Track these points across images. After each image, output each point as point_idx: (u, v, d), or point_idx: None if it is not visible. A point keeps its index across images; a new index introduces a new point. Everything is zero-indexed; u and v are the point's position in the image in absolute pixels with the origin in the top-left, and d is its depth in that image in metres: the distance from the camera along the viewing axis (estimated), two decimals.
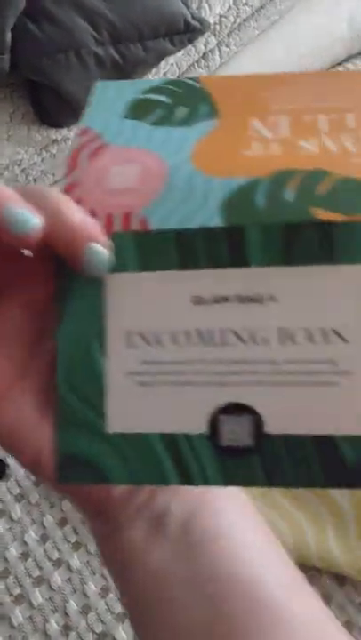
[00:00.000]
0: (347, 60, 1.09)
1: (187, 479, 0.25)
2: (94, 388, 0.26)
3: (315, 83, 0.31)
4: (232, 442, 0.25)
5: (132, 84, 0.32)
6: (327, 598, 0.53)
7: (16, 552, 0.59)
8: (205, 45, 0.92)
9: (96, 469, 0.26)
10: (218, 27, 0.92)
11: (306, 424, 0.24)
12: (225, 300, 0.25)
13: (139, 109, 0.31)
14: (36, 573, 0.58)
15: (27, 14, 0.79)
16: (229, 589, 0.28)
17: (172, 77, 0.33)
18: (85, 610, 0.56)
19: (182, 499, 0.30)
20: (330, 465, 0.24)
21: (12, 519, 0.61)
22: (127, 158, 0.28)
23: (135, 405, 0.25)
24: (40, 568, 0.58)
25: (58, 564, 0.59)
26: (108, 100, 0.31)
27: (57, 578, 0.58)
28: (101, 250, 0.25)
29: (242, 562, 0.29)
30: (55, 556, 0.59)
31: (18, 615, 0.56)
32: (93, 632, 0.54)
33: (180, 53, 0.90)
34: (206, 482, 0.25)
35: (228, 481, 0.25)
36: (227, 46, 0.96)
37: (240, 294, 0.25)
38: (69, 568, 0.58)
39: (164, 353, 0.25)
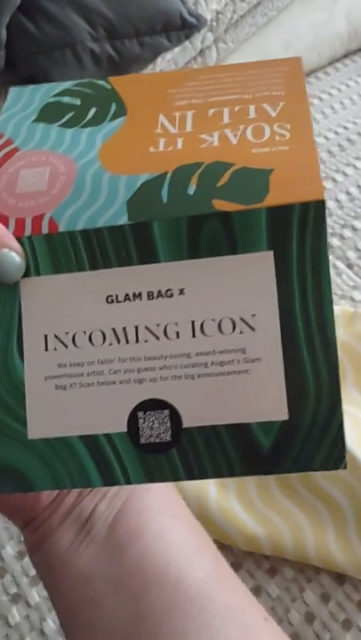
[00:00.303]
0: (345, 56, 1.09)
1: (110, 479, 0.25)
2: (14, 394, 0.26)
3: (222, 76, 0.31)
4: (151, 438, 0.25)
5: (44, 88, 0.33)
6: (326, 597, 0.53)
7: (12, 551, 0.59)
8: (202, 42, 0.92)
9: (21, 477, 0.26)
10: (215, 23, 0.92)
11: (221, 414, 0.25)
12: (137, 296, 0.25)
13: (49, 113, 0.31)
14: (33, 572, 0.58)
15: (22, 11, 0.79)
16: (154, 588, 0.28)
17: (83, 79, 0.33)
18: None
19: (110, 499, 0.30)
20: (246, 453, 0.25)
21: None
22: (37, 162, 0.28)
23: (55, 409, 0.25)
24: None
25: None
26: (20, 105, 0.32)
27: None
28: (12, 255, 0.25)
29: (166, 559, 0.28)
30: None
31: (15, 614, 0.55)
32: None
33: (176, 50, 0.89)
34: (129, 480, 0.25)
35: (149, 478, 0.25)
36: (224, 43, 0.95)
37: (151, 290, 0.25)
38: None
39: (80, 354, 0.25)
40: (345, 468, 0.24)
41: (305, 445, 0.24)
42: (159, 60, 0.89)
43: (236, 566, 0.55)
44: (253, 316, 0.24)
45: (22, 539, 0.60)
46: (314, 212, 0.24)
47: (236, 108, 0.29)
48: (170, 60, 0.90)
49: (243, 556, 0.55)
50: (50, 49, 0.79)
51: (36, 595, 0.56)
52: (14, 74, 0.84)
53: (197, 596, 0.28)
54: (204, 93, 0.30)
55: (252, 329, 0.24)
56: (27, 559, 0.59)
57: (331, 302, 0.24)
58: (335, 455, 0.24)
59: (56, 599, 0.30)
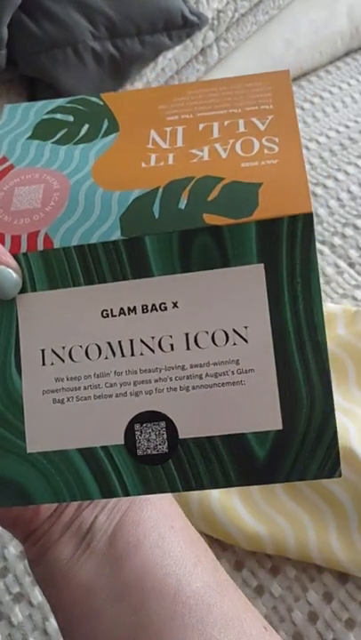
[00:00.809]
0: (346, 54, 1.09)
1: (108, 492, 0.26)
2: (12, 408, 0.26)
3: (211, 91, 0.32)
4: (148, 450, 0.25)
5: (38, 105, 0.33)
6: (329, 596, 0.53)
7: (15, 550, 0.59)
8: (203, 40, 0.92)
9: (21, 491, 0.26)
10: (216, 22, 0.92)
11: (216, 425, 0.25)
12: (132, 310, 0.25)
13: (43, 130, 0.32)
14: None
15: (23, 10, 0.78)
16: (154, 598, 0.28)
17: (76, 96, 0.34)
18: None
19: (109, 511, 0.30)
20: (242, 463, 0.25)
21: None
22: (31, 179, 0.29)
23: (53, 423, 0.26)
24: None
25: None
26: (15, 123, 0.32)
27: None
28: (8, 272, 0.25)
29: (164, 570, 0.29)
30: None
31: (17, 614, 0.55)
32: None
33: (177, 48, 0.89)
34: (127, 492, 0.26)
35: (147, 489, 0.25)
36: (225, 41, 0.95)
37: (145, 304, 0.25)
38: None
39: (77, 368, 0.26)
40: (339, 476, 0.24)
41: (299, 455, 0.25)
42: (160, 58, 0.89)
43: (238, 565, 0.55)
44: (246, 327, 0.25)
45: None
46: (302, 225, 0.24)
47: (226, 123, 0.30)
48: (171, 58, 0.90)
49: (245, 556, 0.55)
50: (51, 48, 0.79)
51: (39, 594, 0.56)
52: (15, 73, 0.84)
53: (196, 606, 0.28)
54: (194, 108, 0.31)
55: (245, 340, 0.25)
56: None
57: (321, 312, 0.25)
58: (330, 464, 0.25)
59: (58, 611, 0.30)
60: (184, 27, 0.85)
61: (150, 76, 0.90)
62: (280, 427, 0.25)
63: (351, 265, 0.77)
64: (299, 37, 1.02)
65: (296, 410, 0.25)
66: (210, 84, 0.33)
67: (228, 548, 0.56)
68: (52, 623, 0.55)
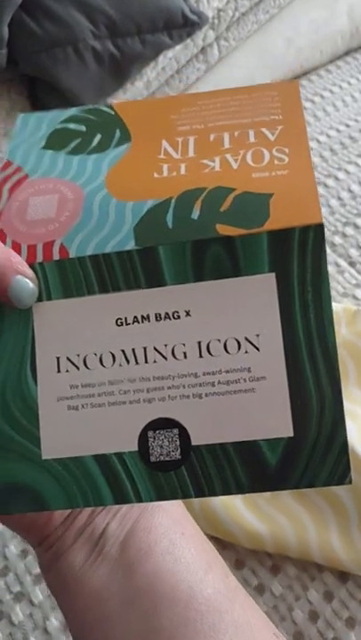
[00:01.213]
0: (346, 53, 1.09)
1: (122, 498, 0.26)
2: (28, 415, 0.27)
3: (222, 101, 0.33)
4: (162, 457, 0.26)
5: (51, 114, 0.34)
6: (329, 595, 0.53)
7: (16, 549, 0.59)
8: (204, 40, 0.92)
9: (36, 497, 0.26)
10: (216, 21, 0.92)
11: (228, 432, 0.25)
12: (145, 319, 0.26)
13: (56, 139, 0.32)
14: (36, 571, 0.58)
15: (24, 9, 0.78)
16: (166, 605, 0.28)
17: (88, 106, 0.35)
18: None
19: (121, 518, 0.30)
20: (253, 470, 0.25)
21: None
22: (45, 189, 0.29)
23: (67, 430, 0.26)
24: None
25: None
26: (28, 132, 0.33)
27: None
28: (25, 282, 0.26)
29: (176, 577, 0.29)
30: None
31: (18, 613, 0.56)
32: None
33: (178, 47, 0.89)
34: (140, 498, 0.26)
35: (160, 496, 0.26)
36: (225, 40, 0.95)
37: (159, 312, 0.26)
38: None
39: (91, 376, 0.26)
40: (350, 483, 0.25)
41: (310, 461, 0.25)
42: (161, 57, 0.89)
43: (239, 564, 0.55)
44: (258, 336, 0.25)
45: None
46: (313, 235, 0.25)
47: (236, 133, 0.30)
48: (172, 57, 0.90)
49: (246, 554, 0.55)
50: (52, 47, 0.79)
51: (40, 593, 0.56)
52: (16, 72, 0.84)
53: (208, 613, 0.28)
54: (205, 118, 0.31)
55: (257, 348, 0.25)
56: (30, 557, 0.59)
57: (332, 321, 0.25)
58: (340, 471, 0.25)
59: (70, 617, 0.31)
60: (184, 26, 0.85)
61: (151, 75, 0.90)
62: (291, 434, 0.25)
63: (352, 264, 0.77)
64: (299, 36, 1.02)
65: (307, 417, 0.25)
66: (220, 93, 0.33)
67: (228, 547, 0.56)
68: (53, 622, 0.55)
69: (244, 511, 0.55)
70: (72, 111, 0.34)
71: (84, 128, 0.32)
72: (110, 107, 0.33)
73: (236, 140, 0.30)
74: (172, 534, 0.30)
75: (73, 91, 0.82)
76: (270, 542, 0.54)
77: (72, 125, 0.33)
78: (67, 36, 0.79)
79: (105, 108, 0.33)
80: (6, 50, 0.79)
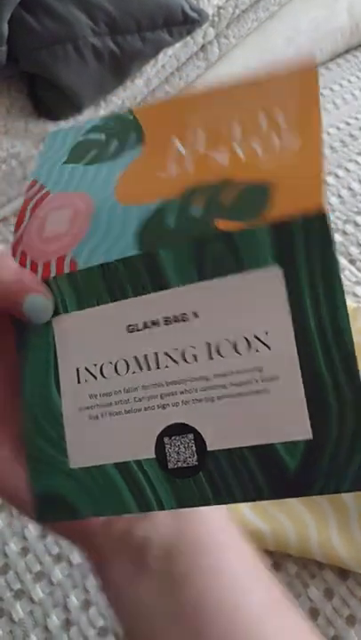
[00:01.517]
0: (347, 51, 1.09)
1: (145, 506, 0.26)
2: (55, 426, 0.27)
3: (235, 91, 0.31)
4: (179, 463, 0.25)
5: (77, 127, 0.34)
6: (330, 592, 0.53)
7: (16, 547, 0.59)
8: (204, 37, 0.92)
9: (68, 505, 0.27)
10: (216, 18, 0.91)
11: (243, 436, 0.24)
12: (155, 324, 0.26)
13: (77, 152, 0.32)
14: (37, 568, 0.58)
15: (23, 6, 0.78)
16: (212, 619, 0.28)
17: (112, 113, 0.34)
18: (86, 605, 0.56)
19: (160, 527, 0.30)
20: (273, 475, 0.24)
21: (11, 514, 0.61)
22: (62, 204, 0.29)
23: (90, 439, 0.26)
24: (40, 563, 0.58)
25: (58, 559, 0.58)
26: (54, 150, 0.33)
27: (57, 573, 0.58)
28: (37, 299, 0.26)
29: (222, 592, 0.29)
30: (55, 550, 0.59)
31: (18, 610, 0.55)
32: (94, 627, 0.54)
33: (178, 45, 0.89)
34: (162, 506, 0.25)
35: (180, 503, 0.25)
36: (225, 38, 0.95)
37: (167, 316, 0.25)
38: (70, 563, 0.58)
39: (108, 384, 0.26)
40: None
41: (333, 465, 0.23)
42: (161, 55, 0.88)
43: None
44: (267, 333, 0.24)
45: (25, 535, 0.60)
46: (318, 225, 0.23)
47: (247, 123, 0.29)
48: (172, 55, 0.90)
49: None
50: (51, 44, 0.79)
51: (40, 591, 0.56)
52: (16, 69, 0.84)
53: (255, 625, 0.28)
54: (218, 111, 0.30)
55: (268, 347, 0.24)
56: (30, 555, 0.59)
57: (346, 312, 0.23)
58: None
59: (121, 624, 0.31)
60: (184, 23, 0.85)
61: (151, 73, 0.90)
62: (310, 436, 0.23)
63: (352, 262, 0.77)
64: (299, 34, 1.02)
65: (326, 418, 0.23)
66: (235, 82, 0.32)
67: None
68: (54, 620, 0.55)
69: (244, 509, 0.55)
70: (95, 121, 0.33)
71: (103, 137, 0.32)
72: (130, 111, 0.33)
73: (246, 129, 0.28)
74: (217, 547, 0.30)
75: (73, 88, 0.82)
76: (271, 540, 0.54)
77: (92, 136, 0.32)
78: (66, 33, 0.79)
79: (125, 115, 0.33)
80: (6, 47, 0.79)
